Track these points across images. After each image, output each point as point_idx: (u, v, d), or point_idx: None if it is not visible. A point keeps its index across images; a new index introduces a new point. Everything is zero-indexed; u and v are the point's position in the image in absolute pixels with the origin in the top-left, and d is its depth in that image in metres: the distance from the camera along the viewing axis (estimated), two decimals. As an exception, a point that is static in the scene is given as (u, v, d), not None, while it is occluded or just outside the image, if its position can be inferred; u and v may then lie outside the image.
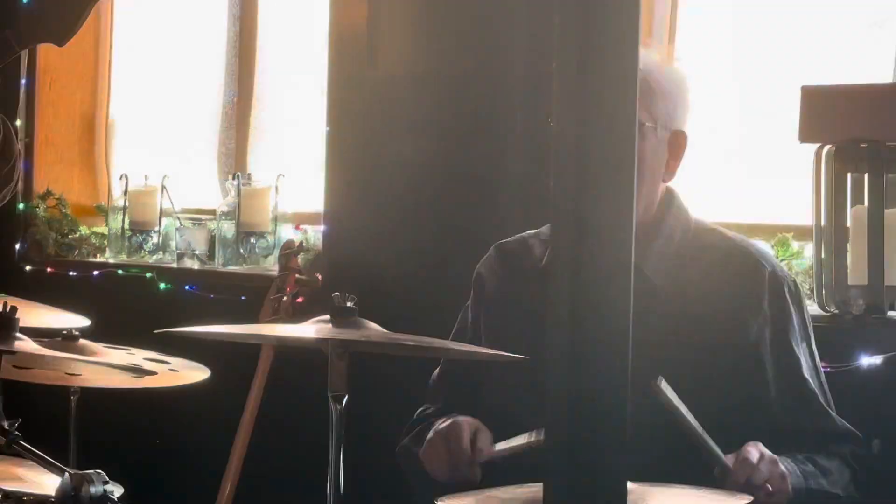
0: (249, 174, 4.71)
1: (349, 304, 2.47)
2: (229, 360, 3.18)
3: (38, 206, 4.88)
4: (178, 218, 4.85)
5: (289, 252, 4.17)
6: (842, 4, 3.60)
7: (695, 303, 2.93)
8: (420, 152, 3.92)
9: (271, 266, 4.41)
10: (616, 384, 1.57)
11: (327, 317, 2.47)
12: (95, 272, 4.70)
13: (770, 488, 2.73)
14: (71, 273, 4.73)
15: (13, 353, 2.71)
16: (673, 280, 2.91)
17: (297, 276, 3.98)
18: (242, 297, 4.15)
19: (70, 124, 5.10)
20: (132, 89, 5.25)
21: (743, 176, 3.65)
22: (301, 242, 4.34)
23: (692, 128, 3.06)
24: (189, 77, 5.15)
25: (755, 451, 2.75)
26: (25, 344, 2.72)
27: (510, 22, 3.55)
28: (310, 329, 2.50)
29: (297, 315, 3.79)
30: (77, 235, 4.93)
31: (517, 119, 3.39)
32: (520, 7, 3.41)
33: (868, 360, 3.06)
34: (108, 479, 2.45)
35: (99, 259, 4.82)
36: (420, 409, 3.13)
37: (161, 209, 4.85)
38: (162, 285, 4.45)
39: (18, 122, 4.15)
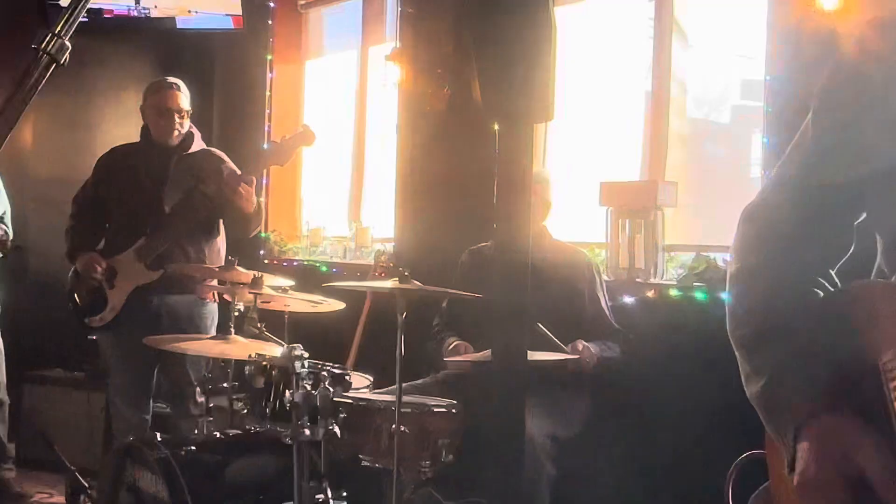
0: (360, 221, 4.62)
1: (406, 274, 2.48)
2: (352, 299, 3.16)
3: (269, 235, 4.81)
4: (329, 240, 4.74)
5: (378, 254, 4.15)
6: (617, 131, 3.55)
7: (558, 275, 2.88)
8: (441, 208, 3.85)
9: (370, 260, 4.29)
10: (521, 306, 1.61)
11: (397, 279, 2.50)
12: (294, 262, 4.65)
13: (588, 360, 2.75)
14: (284, 263, 4.68)
15: (261, 294, 2.74)
16: (548, 266, 2.82)
17: (381, 264, 3.98)
18: (358, 274, 4.10)
19: (284, 198, 5.01)
20: (311, 179, 5.09)
21: (575, 218, 3.56)
22: (384, 250, 4.28)
23: (555, 199, 3.06)
24: (329, 175, 4.98)
25: (580, 344, 2.75)
26: (267, 291, 2.75)
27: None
28: (388, 284, 2.52)
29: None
30: (287, 247, 4.85)
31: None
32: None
33: (629, 299, 3.07)
34: (302, 348, 2.47)
35: (296, 258, 4.73)
36: (435, 321, 3.13)
37: (323, 237, 4.74)
38: (324, 269, 4.40)
39: (262, 199, 4.12)
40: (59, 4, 4.15)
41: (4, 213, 3.73)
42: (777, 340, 0.93)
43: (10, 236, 3.73)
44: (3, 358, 3.74)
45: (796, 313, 0.94)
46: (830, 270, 0.98)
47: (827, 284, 0.96)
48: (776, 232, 0.99)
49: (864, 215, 0.98)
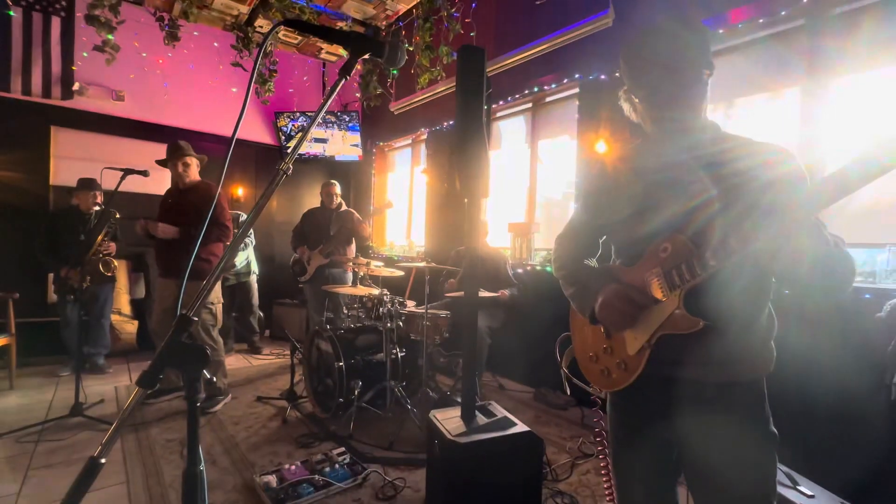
0: (410, 237, 4.27)
1: (428, 260, 2.37)
2: (406, 270, 2.97)
3: (371, 245, 4.58)
4: (397, 246, 4.39)
5: (419, 256, 4.06)
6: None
7: (491, 261, 2.75)
8: (443, 233, 3.64)
9: (415, 255, 4.04)
10: (475, 274, 1.58)
11: (425, 262, 2.35)
12: (383, 255, 4.36)
13: (503, 296, 2.43)
14: (378, 256, 4.41)
15: (369, 268, 2.58)
16: (486, 257, 2.72)
17: (418, 263, 3.85)
18: (408, 261, 3.86)
19: (379, 228, 4.70)
20: (391, 219, 4.65)
21: (497, 236, 3.29)
22: (423, 255, 4.13)
23: (490, 228, 2.89)
24: (397, 217, 4.57)
25: (500, 291, 2.54)
26: (371, 267, 2.60)
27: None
28: (422, 264, 2.38)
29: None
30: (380, 249, 4.57)
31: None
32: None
33: (520, 270, 2.90)
34: (386, 290, 2.36)
35: (383, 254, 4.41)
36: (442, 277, 2.92)
37: (394, 244, 4.43)
38: (395, 258, 4.08)
39: (370, 229, 3.82)
40: (288, 151, 4.12)
41: (250, 235, 3.73)
42: (570, 277, 0.98)
43: (254, 243, 3.75)
44: (258, 293, 3.76)
45: (576, 269, 0.98)
46: (592, 258, 0.99)
47: (589, 263, 1.00)
48: (566, 244, 0.99)
49: (605, 237, 0.97)
